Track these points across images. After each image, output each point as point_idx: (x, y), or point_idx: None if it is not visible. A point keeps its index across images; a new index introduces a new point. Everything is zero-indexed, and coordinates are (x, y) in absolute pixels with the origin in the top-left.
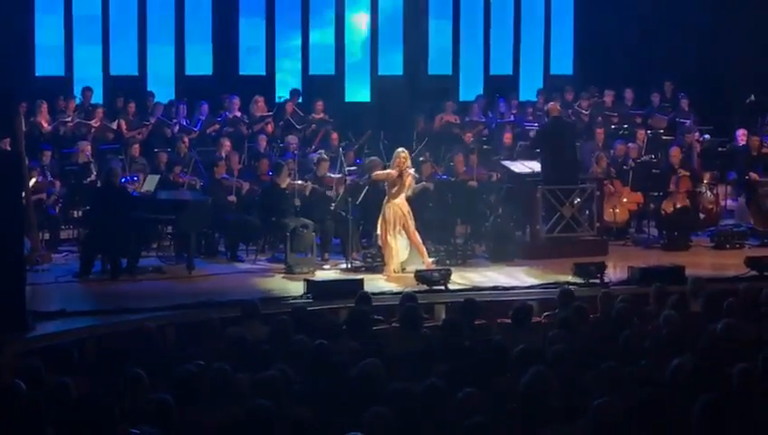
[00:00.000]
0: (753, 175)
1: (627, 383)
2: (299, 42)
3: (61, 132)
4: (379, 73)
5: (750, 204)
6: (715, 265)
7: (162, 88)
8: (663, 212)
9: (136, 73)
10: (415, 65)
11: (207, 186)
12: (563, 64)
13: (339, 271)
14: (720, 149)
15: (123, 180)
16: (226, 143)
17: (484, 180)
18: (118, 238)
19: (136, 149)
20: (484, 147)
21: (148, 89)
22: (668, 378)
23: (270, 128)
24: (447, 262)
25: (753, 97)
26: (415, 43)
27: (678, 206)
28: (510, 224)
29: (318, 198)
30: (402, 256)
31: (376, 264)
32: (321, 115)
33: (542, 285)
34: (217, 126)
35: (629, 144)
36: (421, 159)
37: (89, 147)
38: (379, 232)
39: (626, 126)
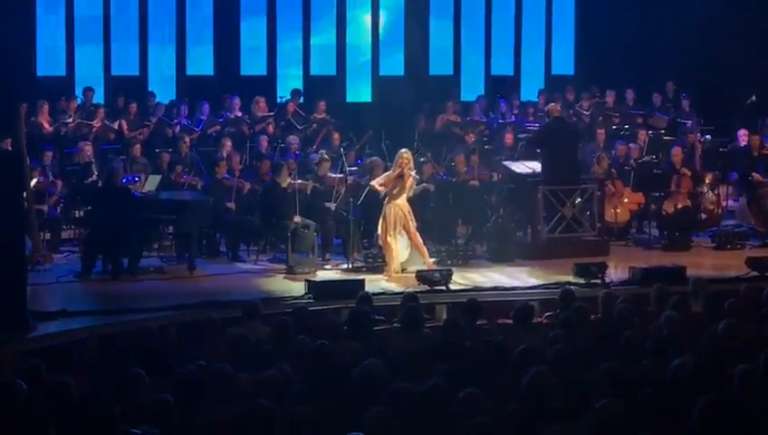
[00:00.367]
0: (756, 175)
1: (628, 384)
2: (300, 42)
3: (62, 132)
4: (381, 73)
5: (751, 204)
6: (716, 265)
7: (163, 88)
8: (664, 212)
9: (137, 74)
10: (416, 65)
11: (208, 186)
12: (565, 65)
13: (340, 271)
14: (721, 149)
15: (125, 180)
16: (228, 143)
17: (485, 180)
18: (119, 238)
19: (137, 149)
20: (486, 147)
21: (150, 89)
22: (669, 378)
23: (271, 128)
24: (449, 262)
25: (754, 97)
26: (416, 43)
27: (679, 206)
28: (511, 224)
29: (319, 197)
30: (402, 256)
31: (377, 264)
32: (323, 115)
33: (543, 285)
34: (218, 127)
35: (631, 144)
36: (422, 159)
37: (90, 147)
38: (379, 232)
39: (627, 126)
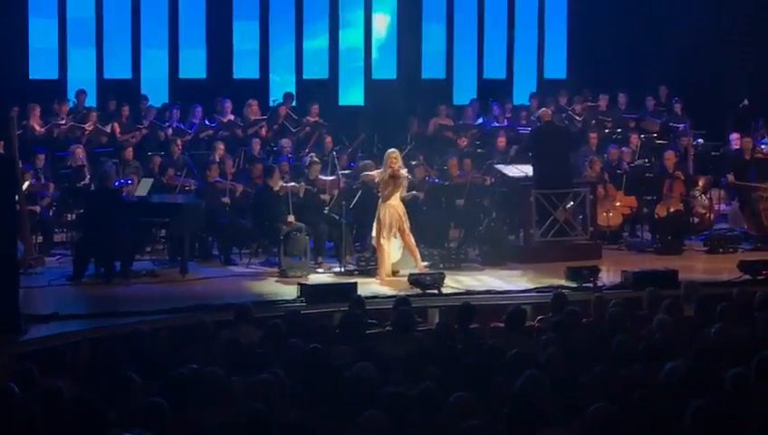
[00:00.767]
0: (730, 177)
1: (620, 387)
2: (293, 46)
3: (54, 135)
4: (373, 77)
5: (743, 208)
6: (708, 269)
7: (156, 91)
8: (656, 216)
9: (130, 77)
10: (409, 69)
11: (201, 189)
12: (557, 68)
13: (332, 275)
14: (713, 153)
15: (117, 184)
16: (220, 147)
17: (477, 184)
18: (111, 242)
19: (129, 152)
20: (478, 151)
21: (142, 92)
22: (662, 382)
23: (264, 131)
24: (441, 266)
25: (746, 101)
26: (409, 47)
27: (672, 210)
28: (503, 228)
29: (311, 199)
30: (395, 257)
31: (369, 267)
32: (316, 118)
33: (535, 289)
34: (210, 132)
35: (623, 148)
36: (414, 162)
37: (82, 150)
38: (374, 234)
39: (619, 130)
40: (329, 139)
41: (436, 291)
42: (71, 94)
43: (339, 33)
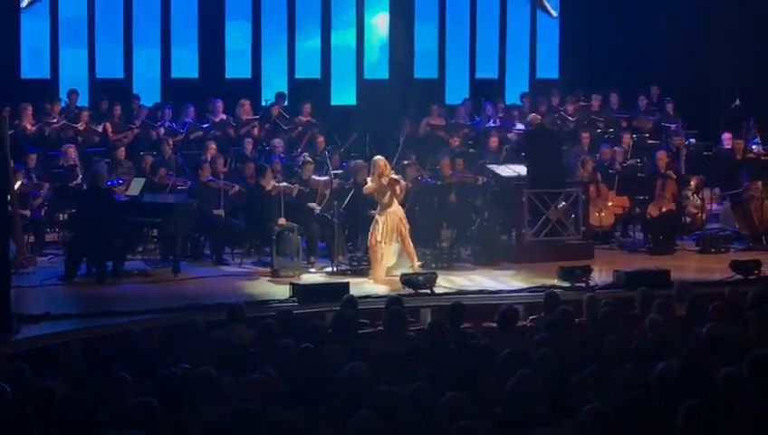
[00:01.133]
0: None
1: (612, 387)
2: (285, 45)
3: (46, 133)
4: (366, 77)
5: (735, 208)
6: (700, 268)
7: (148, 91)
8: (648, 216)
9: (122, 76)
10: (401, 69)
11: (194, 189)
12: (549, 68)
13: (324, 274)
14: (705, 153)
15: (109, 183)
16: (212, 146)
17: (469, 184)
18: (103, 241)
19: (122, 151)
20: (470, 150)
21: (134, 92)
22: (654, 381)
23: (256, 131)
24: (433, 265)
25: (738, 101)
26: (401, 46)
27: (664, 210)
28: (496, 227)
29: (305, 200)
30: (390, 261)
31: (362, 267)
32: (308, 118)
33: (527, 288)
34: (200, 133)
35: (615, 148)
36: (406, 162)
37: (74, 150)
38: (379, 239)
39: (611, 130)
40: (321, 138)
41: (428, 291)
42: (62, 94)
43: (331, 33)
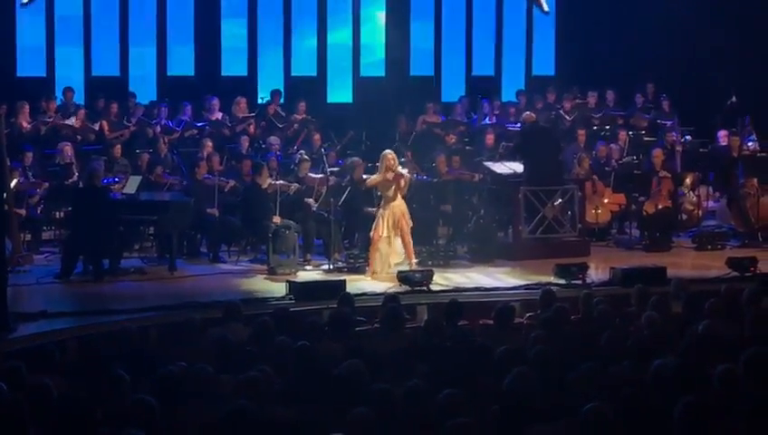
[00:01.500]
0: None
1: (609, 384)
2: (281, 43)
3: (42, 132)
4: (362, 75)
5: (731, 205)
6: (696, 265)
7: (144, 89)
8: (645, 213)
9: (118, 74)
10: (397, 67)
11: (189, 187)
12: (545, 65)
13: (321, 272)
14: (701, 150)
15: (105, 181)
16: (208, 144)
17: (465, 181)
18: (99, 239)
19: (118, 149)
20: (467, 148)
21: (130, 90)
22: (650, 379)
23: (252, 129)
24: (429, 263)
25: (734, 98)
26: (397, 44)
27: (660, 207)
28: (492, 225)
29: (302, 198)
30: (398, 257)
31: (358, 265)
32: (303, 116)
33: (524, 286)
34: (195, 131)
35: (611, 145)
36: (402, 159)
37: (70, 148)
38: (382, 234)
39: (608, 127)
40: (317, 136)
41: (424, 288)
42: (58, 92)
43: (327, 31)
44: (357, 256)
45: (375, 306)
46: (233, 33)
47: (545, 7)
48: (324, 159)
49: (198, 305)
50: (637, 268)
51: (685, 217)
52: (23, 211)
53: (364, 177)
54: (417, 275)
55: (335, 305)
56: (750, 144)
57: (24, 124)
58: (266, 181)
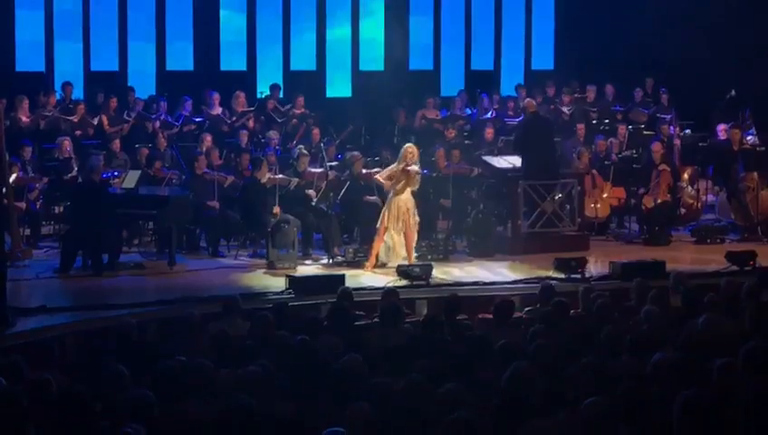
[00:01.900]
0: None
1: (608, 378)
2: (280, 37)
3: (41, 126)
4: (361, 69)
5: (731, 199)
6: (695, 259)
7: (143, 83)
8: (644, 207)
9: (116, 69)
10: (396, 61)
11: (189, 181)
12: (544, 60)
13: (320, 266)
14: (701, 144)
15: (104, 176)
16: (207, 138)
17: (464, 175)
18: (99, 234)
19: (117, 144)
20: (466, 142)
21: (129, 84)
22: (649, 373)
23: (251, 123)
24: (429, 257)
25: (733, 92)
26: (396, 38)
27: (659, 201)
28: (491, 219)
29: (302, 192)
30: (402, 252)
31: (358, 259)
32: (302, 110)
33: (523, 280)
34: (193, 127)
35: (611, 139)
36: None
37: (69, 142)
38: (386, 225)
39: (607, 121)
40: (316, 130)
41: (423, 282)
42: (57, 87)
43: (326, 25)
44: (356, 250)
45: (374, 301)
46: (232, 27)
47: None
48: (323, 153)
49: (198, 300)
50: (636, 262)
51: (684, 210)
52: (22, 205)
53: (373, 171)
54: (416, 269)
55: (334, 300)
56: (749, 138)
57: (24, 119)
58: (265, 176)
